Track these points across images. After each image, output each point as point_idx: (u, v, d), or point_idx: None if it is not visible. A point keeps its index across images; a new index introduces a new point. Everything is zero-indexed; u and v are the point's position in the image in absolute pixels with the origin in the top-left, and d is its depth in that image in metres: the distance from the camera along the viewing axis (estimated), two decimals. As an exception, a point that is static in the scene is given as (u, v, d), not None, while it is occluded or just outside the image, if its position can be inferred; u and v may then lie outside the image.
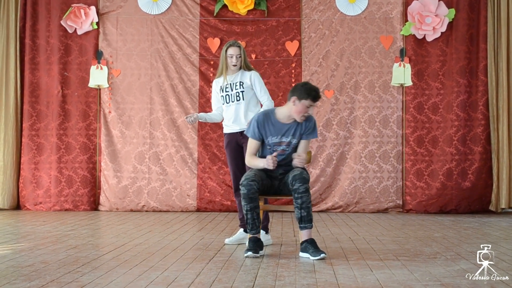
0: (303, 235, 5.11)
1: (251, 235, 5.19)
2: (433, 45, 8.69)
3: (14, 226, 7.16)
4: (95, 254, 5.21)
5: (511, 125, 8.57)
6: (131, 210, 8.85)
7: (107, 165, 8.90)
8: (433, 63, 8.69)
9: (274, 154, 5.18)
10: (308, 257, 5.00)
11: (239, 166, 5.86)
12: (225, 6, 8.87)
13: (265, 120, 5.26)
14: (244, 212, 5.14)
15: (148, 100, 8.93)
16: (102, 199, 8.93)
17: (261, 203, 5.26)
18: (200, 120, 5.94)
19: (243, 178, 5.15)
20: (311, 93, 5.13)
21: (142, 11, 8.96)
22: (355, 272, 4.46)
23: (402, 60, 8.71)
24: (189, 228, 7.01)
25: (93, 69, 8.92)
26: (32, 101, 8.90)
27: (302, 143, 5.30)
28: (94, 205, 8.93)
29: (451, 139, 8.59)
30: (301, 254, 5.11)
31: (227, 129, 5.93)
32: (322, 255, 4.95)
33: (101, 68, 8.91)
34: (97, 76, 8.92)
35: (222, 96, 5.88)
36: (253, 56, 8.82)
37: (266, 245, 5.61)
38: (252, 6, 8.83)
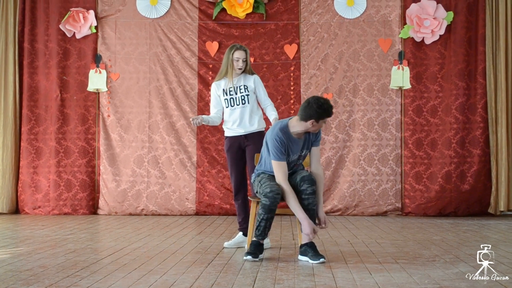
0: (304, 237, 5.11)
1: (255, 239, 5.18)
2: (431, 48, 8.69)
3: (13, 230, 7.16)
4: (94, 258, 5.20)
5: (509, 127, 8.58)
6: (130, 214, 8.84)
7: (106, 169, 8.89)
8: (431, 66, 8.69)
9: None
10: (307, 261, 5.00)
11: (240, 170, 5.86)
12: (223, 9, 8.87)
13: (286, 139, 5.11)
14: (259, 219, 5.09)
15: (147, 104, 8.93)
16: (101, 203, 8.92)
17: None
18: (203, 123, 5.92)
19: (267, 189, 5.03)
20: (329, 114, 5.00)
21: (141, 15, 8.96)
22: (354, 275, 4.46)
23: (401, 63, 8.72)
24: (188, 232, 7.01)
25: (91, 73, 8.92)
26: (30, 105, 8.90)
27: (315, 150, 5.24)
28: (93, 209, 8.92)
29: (450, 141, 8.59)
30: (300, 257, 5.10)
31: (229, 132, 5.91)
32: (322, 259, 4.94)
33: (100, 72, 8.91)
34: (96, 80, 8.91)
35: (226, 99, 5.86)
36: (252, 59, 8.81)
37: (265, 249, 5.60)
38: (250, 10, 8.83)
